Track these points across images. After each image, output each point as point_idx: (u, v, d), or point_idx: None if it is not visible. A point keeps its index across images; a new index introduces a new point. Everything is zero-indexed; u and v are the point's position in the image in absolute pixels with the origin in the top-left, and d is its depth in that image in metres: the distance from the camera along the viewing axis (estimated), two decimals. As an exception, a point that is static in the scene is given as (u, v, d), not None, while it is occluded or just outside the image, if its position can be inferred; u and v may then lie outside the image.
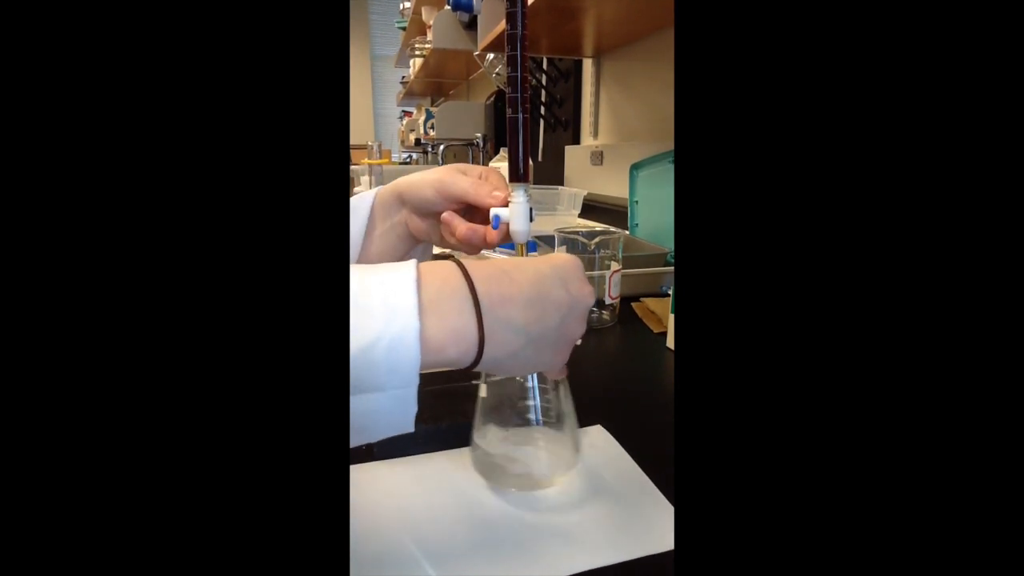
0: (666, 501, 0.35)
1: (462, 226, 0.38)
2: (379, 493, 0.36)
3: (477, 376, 0.37)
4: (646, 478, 0.37)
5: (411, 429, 0.26)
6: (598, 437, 0.43)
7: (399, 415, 0.25)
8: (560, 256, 0.31)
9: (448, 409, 0.41)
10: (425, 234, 0.41)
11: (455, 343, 0.26)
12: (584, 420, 0.44)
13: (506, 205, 0.36)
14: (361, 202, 0.42)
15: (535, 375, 0.36)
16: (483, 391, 0.37)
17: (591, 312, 0.71)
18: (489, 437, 0.37)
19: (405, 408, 0.25)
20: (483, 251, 0.40)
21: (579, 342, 0.32)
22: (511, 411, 0.37)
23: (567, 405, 0.37)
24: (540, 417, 0.37)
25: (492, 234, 0.37)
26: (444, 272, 0.27)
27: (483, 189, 0.37)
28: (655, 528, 0.32)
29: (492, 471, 0.36)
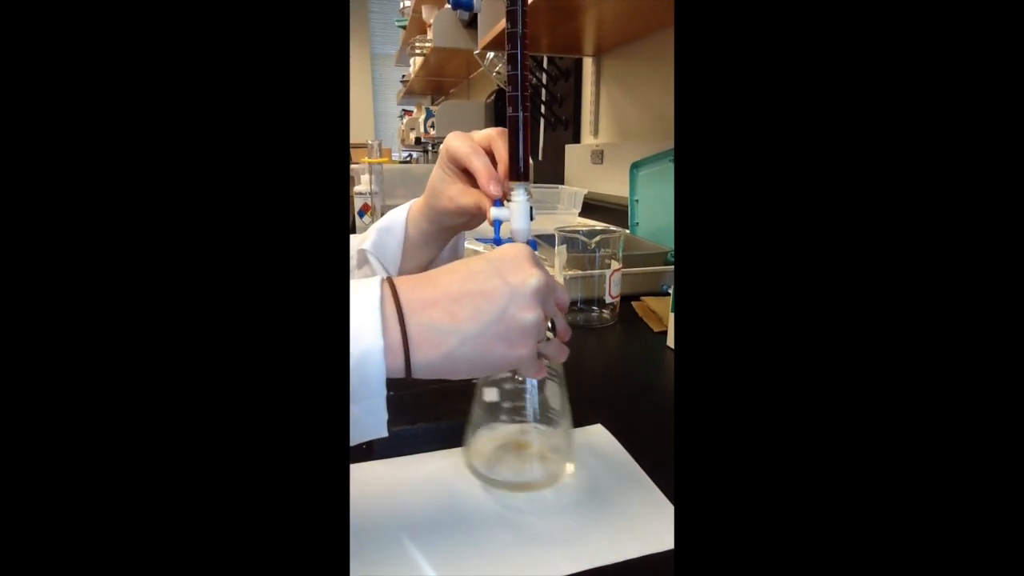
0: (666, 501, 0.35)
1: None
2: (379, 493, 0.36)
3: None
4: (646, 478, 0.37)
5: (385, 434, 0.27)
6: (598, 436, 0.43)
7: (373, 423, 0.27)
8: (503, 247, 0.30)
9: (448, 409, 0.41)
10: (462, 226, 0.46)
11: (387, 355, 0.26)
12: (584, 419, 0.44)
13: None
14: (396, 224, 0.46)
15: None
16: (480, 392, 0.37)
17: (591, 311, 0.71)
18: (482, 438, 0.37)
19: (377, 417, 0.27)
20: (483, 248, 0.40)
21: (550, 335, 0.31)
22: (506, 412, 0.37)
23: (563, 407, 0.37)
24: (535, 419, 0.37)
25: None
26: (368, 290, 0.27)
27: (474, 198, 0.40)
28: (655, 528, 0.32)
29: (483, 473, 0.36)
